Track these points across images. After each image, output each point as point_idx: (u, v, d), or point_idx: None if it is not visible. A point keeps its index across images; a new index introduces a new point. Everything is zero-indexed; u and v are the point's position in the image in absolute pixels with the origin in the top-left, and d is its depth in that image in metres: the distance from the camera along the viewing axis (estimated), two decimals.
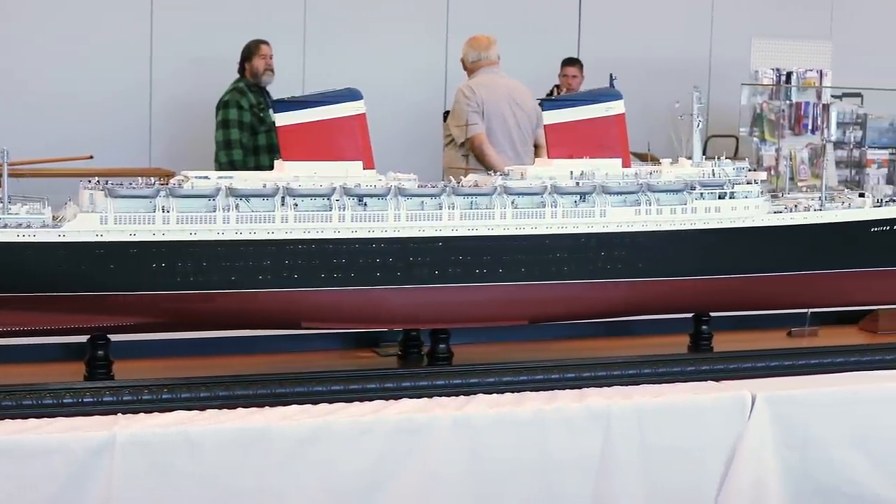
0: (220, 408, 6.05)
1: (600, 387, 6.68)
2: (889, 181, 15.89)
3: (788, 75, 15.95)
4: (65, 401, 5.87)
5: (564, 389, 6.60)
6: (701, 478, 6.66)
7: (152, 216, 6.08)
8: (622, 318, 7.53)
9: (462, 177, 6.99)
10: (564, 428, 6.33)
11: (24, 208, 6.05)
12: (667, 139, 7.51)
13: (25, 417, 5.78)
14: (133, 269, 6.08)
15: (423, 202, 6.51)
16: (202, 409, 6.02)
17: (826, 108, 15.85)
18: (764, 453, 6.67)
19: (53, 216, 6.11)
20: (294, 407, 6.10)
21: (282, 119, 6.49)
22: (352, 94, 6.55)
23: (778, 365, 7.13)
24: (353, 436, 5.99)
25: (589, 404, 6.42)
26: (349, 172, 6.46)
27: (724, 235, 7.04)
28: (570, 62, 16.20)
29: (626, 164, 7.03)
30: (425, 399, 6.35)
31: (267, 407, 6.09)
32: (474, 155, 12.39)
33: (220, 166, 13.78)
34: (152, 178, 6.25)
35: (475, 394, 6.44)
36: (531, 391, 6.54)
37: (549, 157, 6.96)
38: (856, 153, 16.02)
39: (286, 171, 6.42)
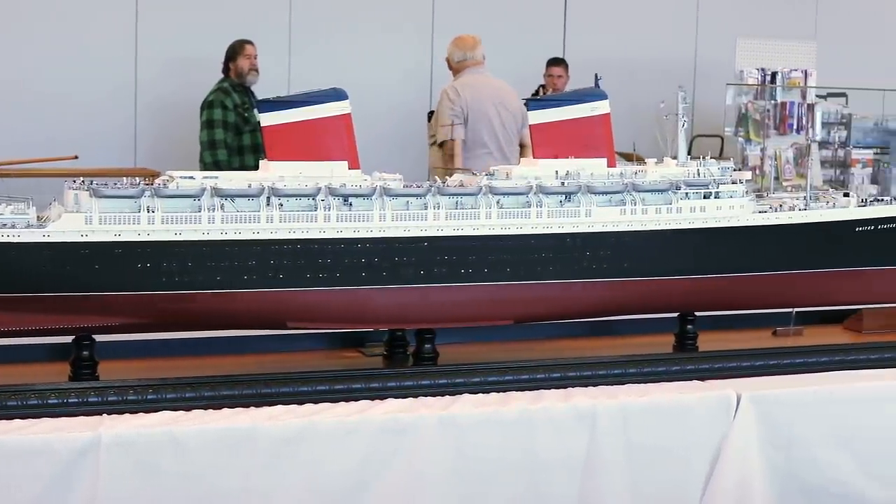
0: (205, 408, 6.04)
1: (586, 386, 6.68)
2: (873, 181, 15.94)
3: (773, 75, 15.98)
4: (50, 401, 5.85)
5: (550, 389, 6.60)
6: (686, 477, 6.67)
7: (137, 216, 6.07)
8: (607, 317, 7.54)
9: (447, 177, 7.00)
10: (550, 428, 6.33)
11: (8, 208, 6.03)
12: (652, 139, 7.52)
13: (10, 418, 5.76)
14: (118, 269, 6.07)
15: (408, 202, 6.51)
16: (187, 409, 6.00)
17: (811, 107, 15.89)
18: (749, 452, 6.69)
19: (38, 216, 6.09)
20: (279, 407, 6.10)
21: (267, 119, 6.48)
22: (337, 94, 6.54)
23: (763, 364, 7.14)
24: (338, 436, 5.99)
25: (574, 404, 6.43)
26: (334, 172, 6.45)
27: (710, 235, 7.06)
28: (556, 62, 16.20)
29: (611, 164, 7.04)
30: (411, 399, 6.35)
31: (252, 407, 6.09)
32: (446, 157, 12.48)
33: (204, 166, 13.76)
34: (137, 179, 6.24)
35: (461, 394, 6.44)
36: (516, 391, 6.54)
37: (534, 157, 6.96)
38: (840, 153, 16.07)
39: (271, 171, 6.42)
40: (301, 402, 6.16)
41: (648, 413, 6.55)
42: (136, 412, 5.91)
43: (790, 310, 7.94)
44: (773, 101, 15.80)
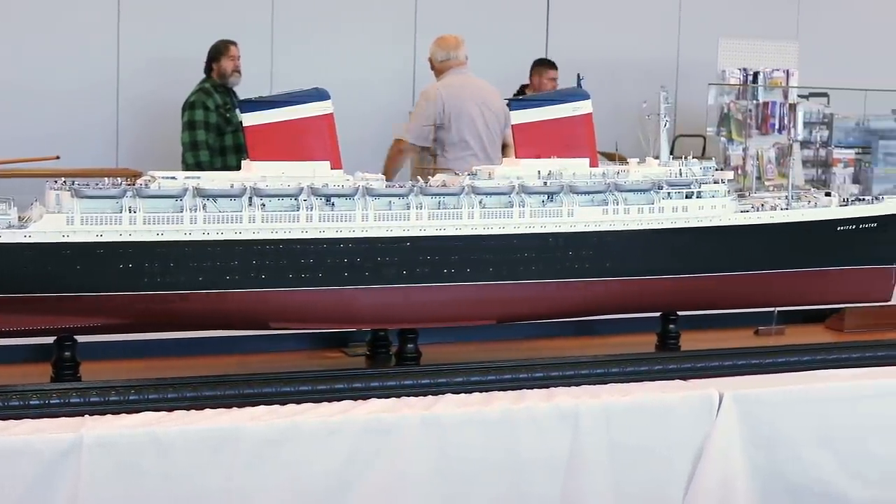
0: (187, 409, 6.03)
1: (568, 386, 6.68)
2: (855, 180, 15.97)
3: (755, 75, 16.00)
4: (31, 402, 5.84)
5: (532, 389, 6.61)
6: (669, 476, 6.68)
7: (119, 217, 6.06)
8: (590, 317, 7.55)
9: (430, 177, 7.00)
10: (532, 427, 6.34)
11: None
12: (634, 139, 7.53)
13: None
14: (100, 269, 6.06)
15: (390, 202, 6.51)
16: (170, 410, 5.99)
17: (793, 107, 15.92)
18: (731, 451, 6.70)
19: (19, 217, 6.08)
20: (262, 407, 6.09)
21: (249, 119, 6.48)
22: (319, 94, 6.54)
23: (745, 364, 7.15)
24: (321, 436, 5.98)
25: (557, 404, 6.43)
26: (317, 172, 6.45)
27: (692, 235, 7.07)
28: (550, 65, 16.08)
29: (593, 164, 7.05)
30: (393, 399, 6.35)
31: (235, 408, 6.08)
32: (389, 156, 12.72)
33: (187, 167, 13.73)
34: (119, 179, 6.23)
35: (443, 393, 6.44)
36: (499, 391, 6.55)
37: (516, 157, 6.97)
38: (822, 153, 16.10)
39: (253, 172, 6.41)
40: (284, 403, 6.15)
41: (631, 413, 6.56)
42: (119, 413, 5.90)
43: (772, 309, 7.96)
44: (755, 101, 15.83)
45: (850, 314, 8.25)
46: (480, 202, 6.65)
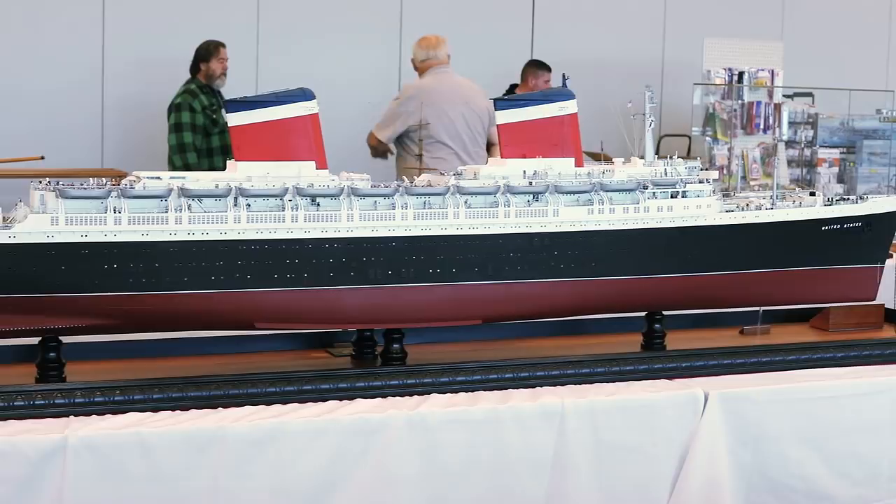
0: (173, 409, 6.02)
1: (554, 386, 6.70)
2: (839, 180, 15.99)
3: (740, 75, 16.00)
4: (16, 403, 5.83)
5: (518, 389, 6.62)
6: (654, 475, 6.69)
7: (104, 217, 6.05)
8: (575, 317, 7.56)
9: (415, 176, 7.00)
10: (518, 427, 6.34)
11: None
12: (620, 139, 7.53)
13: None
14: (85, 270, 6.05)
15: (376, 202, 6.51)
16: (155, 410, 5.99)
17: (777, 107, 15.92)
18: (717, 450, 6.71)
19: (3, 217, 6.07)
20: (247, 408, 6.09)
21: (234, 119, 6.47)
22: (304, 94, 6.53)
23: (730, 363, 7.17)
24: (307, 436, 5.98)
25: (543, 403, 6.44)
26: (302, 172, 6.45)
27: (677, 234, 7.08)
28: (545, 67, 16.02)
29: (579, 164, 7.05)
30: (379, 399, 6.35)
31: (220, 408, 6.07)
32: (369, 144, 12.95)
33: (174, 169, 13.68)
34: (104, 179, 6.22)
35: (429, 394, 6.44)
36: (485, 391, 6.55)
37: (502, 157, 6.97)
38: (807, 152, 16.11)
39: (239, 172, 6.41)
40: (269, 403, 6.15)
41: (616, 412, 6.57)
42: (104, 414, 5.89)
43: (757, 309, 7.98)
44: (740, 101, 15.83)
45: (834, 313, 8.27)
46: (466, 202, 6.65)
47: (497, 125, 7.04)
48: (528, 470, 6.39)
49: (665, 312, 7.48)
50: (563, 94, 7.13)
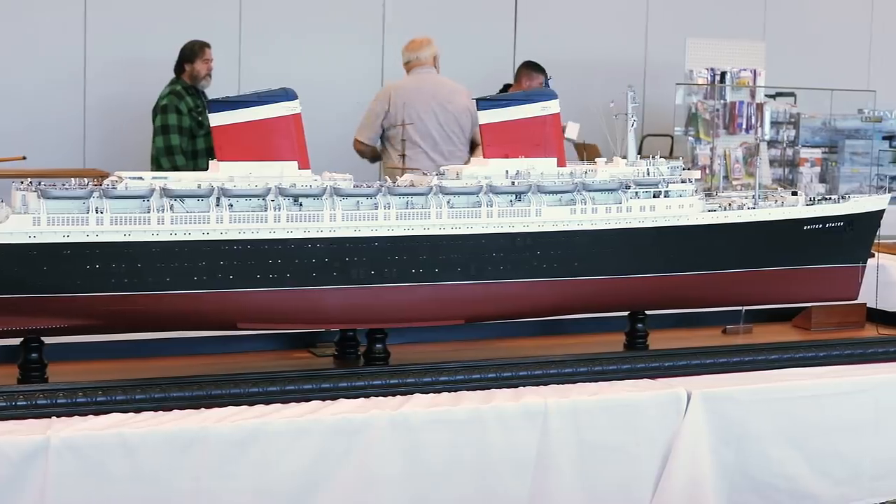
0: (155, 410, 6.00)
1: (537, 385, 6.70)
2: (821, 180, 16.03)
3: (723, 75, 16.03)
4: None
5: (501, 388, 6.61)
6: (637, 474, 6.69)
7: (86, 217, 6.04)
8: (558, 317, 7.56)
9: (398, 176, 7.00)
10: (501, 427, 6.34)
11: None
12: (602, 139, 7.55)
13: None
14: (67, 270, 6.04)
15: (358, 202, 6.51)
16: (138, 411, 5.97)
17: (760, 107, 15.96)
18: (699, 450, 6.72)
19: None
20: (230, 408, 6.08)
21: (216, 119, 6.46)
22: (286, 94, 6.53)
23: (713, 362, 7.18)
24: (290, 437, 5.97)
25: (525, 403, 6.44)
26: (284, 172, 6.44)
27: (659, 234, 7.09)
28: (539, 69, 15.99)
29: (561, 164, 7.06)
30: (362, 399, 6.34)
31: (203, 409, 6.06)
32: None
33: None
34: (86, 179, 6.21)
35: (412, 394, 6.44)
36: (468, 390, 6.55)
37: (484, 157, 6.98)
38: (789, 152, 16.15)
39: (221, 172, 6.40)
40: (252, 404, 6.14)
41: (599, 412, 6.58)
42: (86, 415, 5.87)
43: (739, 308, 8.00)
44: (722, 101, 15.86)
45: (816, 313, 8.30)
46: (448, 202, 6.65)
47: (480, 125, 7.04)
48: (510, 470, 6.39)
49: (647, 312, 7.50)
50: (546, 94, 7.14)
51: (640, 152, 7.47)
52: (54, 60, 15.30)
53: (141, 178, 6.26)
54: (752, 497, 6.95)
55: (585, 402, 6.56)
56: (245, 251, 6.29)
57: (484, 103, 7.07)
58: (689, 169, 7.40)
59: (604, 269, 7.01)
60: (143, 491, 5.73)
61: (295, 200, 6.39)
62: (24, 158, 13.32)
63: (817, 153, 16.18)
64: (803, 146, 16.14)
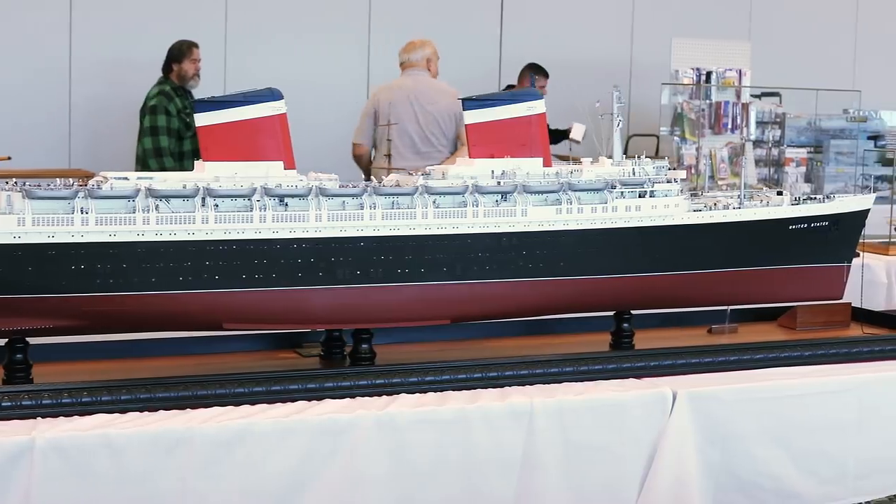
0: (141, 410, 5.99)
1: (522, 385, 6.69)
2: (807, 179, 16.07)
3: (708, 75, 16.06)
4: None
5: (487, 388, 6.61)
6: (623, 474, 6.70)
7: (71, 218, 6.02)
8: (544, 316, 7.57)
9: (384, 176, 7.00)
10: (487, 427, 6.34)
11: None
12: (588, 138, 7.55)
13: None
14: (52, 271, 6.02)
15: (344, 202, 6.50)
16: (123, 411, 5.95)
17: (745, 107, 15.99)
18: (685, 449, 6.73)
19: None
20: (216, 409, 6.06)
21: (202, 119, 6.45)
22: (272, 94, 6.52)
23: (698, 362, 7.18)
24: (275, 437, 5.96)
25: (511, 403, 6.44)
26: (270, 172, 6.43)
27: (645, 234, 7.10)
28: (542, 73, 16.01)
29: (547, 164, 7.06)
30: (348, 399, 6.33)
31: (189, 409, 6.05)
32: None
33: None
34: (71, 180, 6.19)
35: (398, 394, 6.43)
36: (454, 391, 6.54)
37: (470, 157, 6.97)
38: (775, 152, 16.19)
39: (206, 172, 6.39)
40: (238, 404, 6.13)
41: (585, 411, 6.58)
42: (71, 415, 5.85)
43: (725, 308, 8.01)
44: (707, 101, 15.89)
45: (801, 312, 8.31)
46: (434, 202, 6.65)
47: (465, 125, 7.04)
48: (496, 470, 6.39)
49: (633, 312, 7.50)
50: (532, 94, 7.14)
51: (625, 152, 7.49)
52: (39, 60, 15.28)
53: (126, 179, 6.25)
54: (737, 496, 6.96)
55: (571, 401, 6.56)
56: (231, 251, 6.28)
57: (469, 103, 7.06)
58: (674, 169, 7.40)
59: (589, 268, 7.01)
60: (128, 492, 5.71)
61: (280, 201, 6.38)
62: (9, 158, 13.28)
63: (802, 153, 16.23)
64: (788, 146, 16.18)
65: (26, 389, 5.99)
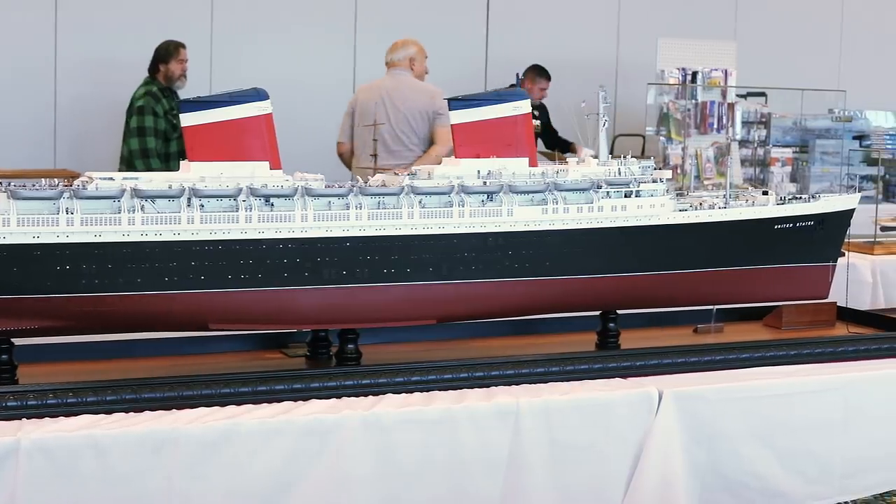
0: (126, 411, 5.98)
1: (508, 385, 6.70)
2: (792, 179, 16.09)
3: (694, 75, 16.06)
4: None
5: (473, 388, 6.62)
6: (609, 474, 6.71)
7: (56, 218, 6.01)
8: (530, 316, 7.57)
9: (369, 177, 7.00)
10: (473, 427, 6.34)
11: None
12: (574, 138, 7.56)
13: None
14: (37, 271, 6.01)
15: (330, 202, 6.50)
16: (109, 412, 5.95)
17: (731, 107, 15.99)
18: (671, 449, 6.74)
19: None
20: (202, 409, 6.06)
21: (188, 119, 6.44)
22: (258, 94, 6.51)
23: (684, 361, 7.20)
24: (261, 437, 5.96)
25: (497, 403, 6.44)
26: (256, 173, 6.43)
27: (631, 233, 7.11)
28: (545, 75, 15.97)
29: (532, 164, 7.07)
30: (334, 400, 6.33)
31: (174, 410, 6.04)
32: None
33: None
34: (56, 180, 6.18)
35: (384, 394, 6.44)
36: (440, 390, 6.55)
37: (456, 157, 6.97)
38: (760, 152, 16.20)
39: (192, 172, 6.38)
40: (223, 405, 6.13)
41: (571, 411, 6.58)
42: (57, 416, 5.84)
43: (711, 307, 8.01)
44: (693, 101, 15.89)
45: (787, 312, 8.32)
46: (420, 202, 6.65)
47: (451, 125, 7.03)
48: (483, 469, 6.40)
49: (619, 311, 7.51)
50: (517, 93, 7.14)
51: (611, 152, 7.49)
52: (24, 60, 15.22)
53: (111, 179, 6.24)
54: (723, 496, 6.98)
55: (557, 401, 6.57)
56: (216, 252, 6.27)
57: (455, 103, 7.06)
58: (660, 168, 7.42)
59: (575, 268, 7.01)
60: (114, 492, 5.71)
61: (266, 201, 6.38)
62: None
63: (788, 153, 16.25)
64: (774, 146, 16.19)
65: (11, 390, 5.97)
